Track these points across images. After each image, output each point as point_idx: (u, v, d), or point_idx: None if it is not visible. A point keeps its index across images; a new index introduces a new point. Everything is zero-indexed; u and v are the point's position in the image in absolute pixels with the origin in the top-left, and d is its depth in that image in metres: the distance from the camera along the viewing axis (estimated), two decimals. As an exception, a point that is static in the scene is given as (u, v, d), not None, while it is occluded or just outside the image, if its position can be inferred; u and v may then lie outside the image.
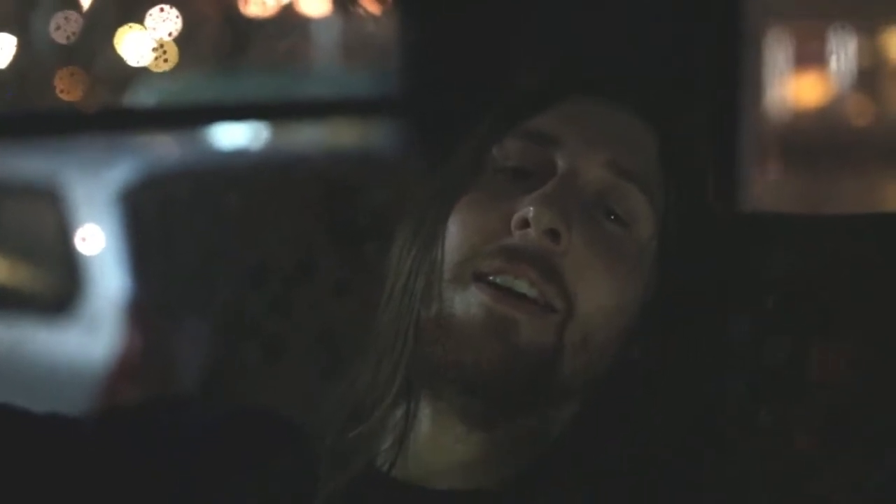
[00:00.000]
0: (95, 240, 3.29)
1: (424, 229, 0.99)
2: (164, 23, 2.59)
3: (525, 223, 0.95)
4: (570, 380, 0.96)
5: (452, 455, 0.98)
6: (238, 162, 3.70)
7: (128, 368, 3.07)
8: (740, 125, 2.07)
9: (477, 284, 0.95)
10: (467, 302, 0.94)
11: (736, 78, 2.07)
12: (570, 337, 0.95)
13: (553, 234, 0.95)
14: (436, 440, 0.98)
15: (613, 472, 0.95)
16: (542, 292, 0.94)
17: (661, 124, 1.01)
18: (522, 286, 0.94)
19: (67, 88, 2.77)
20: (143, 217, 3.27)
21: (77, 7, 2.79)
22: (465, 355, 0.93)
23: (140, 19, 2.66)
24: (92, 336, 3.18)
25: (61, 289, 3.32)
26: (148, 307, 3.20)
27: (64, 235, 3.37)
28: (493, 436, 0.97)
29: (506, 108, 1.03)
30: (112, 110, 2.56)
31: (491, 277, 0.94)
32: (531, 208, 0.94)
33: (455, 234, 0.97)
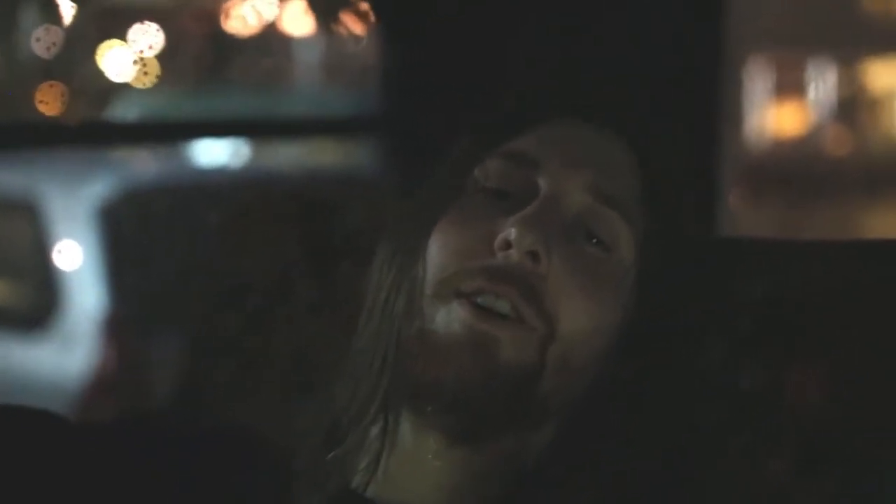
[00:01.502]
0: (73, 255, 3.28)
1: (405, 248, 0.99)
2: (146, 39, 2.59)
3: (507, 244, 0.95)
4: (549, 399, 0.96)
5: (429, 476, 0.97)
6: (216, 179, 3.70)
7: (103, 384, 3.06)
8: (719, 154, 2.07)
9: (458, 301, 0.95)
10: (449, 318, 0.94)
11: (716, 107, 2.08)
12: (551, 356, 0.95)
13: (534, 256, 0.95)
14: (414, 458, 0.98)
15: (590, 496, 0.95)
16: (522, 314, 0.94)
17: (642, 147, 1.02)
18: (504, 307, 0.94)
19: (48, 102, 2.77)
20: (120, 232, 3.26)
21: (59, 21, 2.79)
22: (445, 372, 0.93)
23: (122, 35, 2.67)
24: (68, 351, 3.17)
25: (38, 304, 3.31)
26: (124, 323, 3.19)
27: (41, 250, 3.36)
28: (471, 456, 0.97)
29: (487, 128, 1.04)
30: (91, 124, 2.55)
31: (471, 296, 0.95)
32: (513, 230, 0.95)
33: (436, 253, 0.97)
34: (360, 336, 1.01)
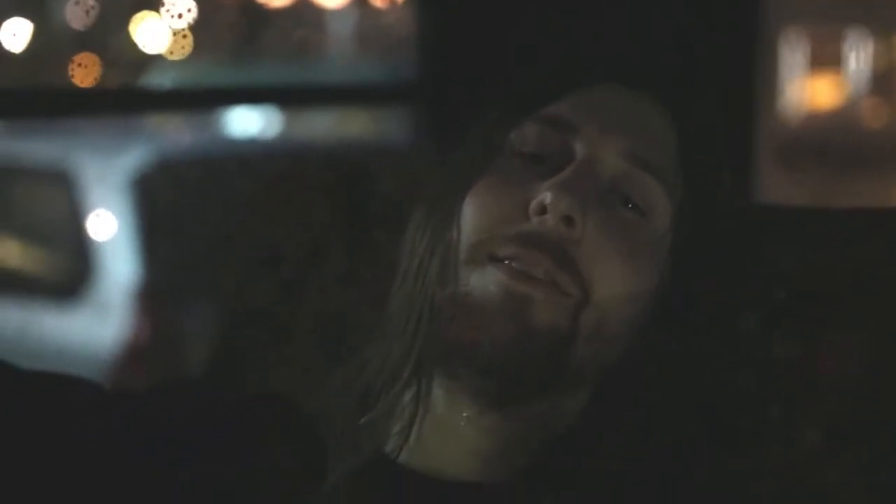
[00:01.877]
0: (107, 224, 3.29)
1: (439, 212, 0.99)
2: (179, 9, 2.59)
3: (542, 209, 0.95)
4: (583, 366, 0.96)
5: (461, 442, 0.97)
6: (250, 148, 3.71)
7: (136, 354, 3.07)
8: (756, 127, 2.06)
9: (493, 265, 0.95)
10: (484, 281, 0.94)
11: (752, 79, 2.07)
12: (585, 321, 0.95)
13: (569, 221, 0.95)
14: (446, 423, 0.98)
15: (622, 464, 0.95)
16: (556, 281, 0.94)
17: (680, 114, 1.01)
18: (538, 273, 0.94)
19: (82, 74, 2.78)
20: (154, 202, 3.27)
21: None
22: (480, 334, 0.93)
23: (155, 6, 2.67)
24: (101, 321, 3.19)
25: (72, 273, 3.33)
26: (158, 292, 3.20)
27: (75, 219, 3.37)
28: (504, 421, 0.97)
29: (524, 93, 1.03)
30: (125, 93, 2.55)
31: (507, 261, 0.95)
32: (548, 194, 0.95)
33: (471, 217, 0.97)
34: (393, 300, 1.01)
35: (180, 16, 2.60)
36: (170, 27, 2.68)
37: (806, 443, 1.02)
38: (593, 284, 0.95)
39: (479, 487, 0.97)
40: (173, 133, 3.66)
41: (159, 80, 2.99)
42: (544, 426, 0.98)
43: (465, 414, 0.97)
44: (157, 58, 2.81)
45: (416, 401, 0.98)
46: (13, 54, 2.48)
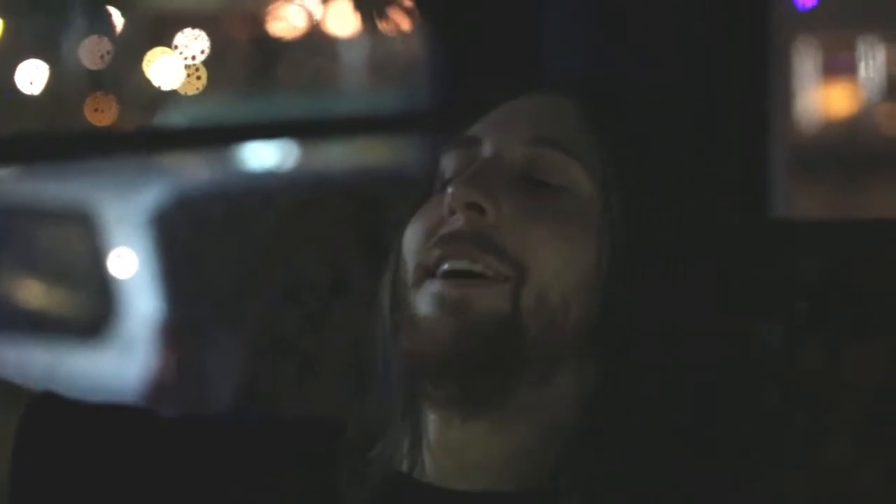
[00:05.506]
0: (128, 262, 3.31)
1: (392, 253, 1.04)
2: (193, 45, 2.61)
3: (451, 209, 0.98)
4: (538, 345, 0.97)
5: (467, 455, 0.98)
6: (269, 181, 3.72)
7: (162, 388, 3.08)
8: (771, 138, 2.06)
9: (429, 279, 0.98)
10: (425, 298, 0.97)
11: (765, 88, 2.07)
12: (527, 300, 0.96)
13: (477, 208, 0.97)
14: (447, 440, 0.99)
15: (643, 477, 0.95)
16: (485, 265, 0.96)
17: (588, 101, 1.03)
18: (464, 265, 0.97)
19: (98, 112, 2.79)
20: (174, 238, 3.29)
21: (106, 32, 2.81)
22: (423, 342, 0.96)
23: (168, 42, 2.68)
24: (126, 358, 3.20)
25: (95, 311, 3.34)
26: (181, 328, 3.22)
27: (97, 258, 3.39)
28: (496, 426, 0.97)
29: (449, 124, 1.06)
30: (142, 132, 2.57)
31: (437, 269, 0.97)
32: (449, 189, 0.98)
33: (406, 245, 1.01)
34: (370, 337, 1.04)
35: (194, 57, 2.62)
36: (183, 63, 2.69)
37: (833, 452, 1.02)
38: (525, 261, 0.96)
39: (499, 498, 0.98)
40: (191, 170, 3.68)
41: (174, 117, 3.01)
42: (542, 421, 0.98)
43: (456, 426, 0.98)
44: (172, 94, 2.83)
45: (414, 425, 1.00)
46: (31, 97, 2.49)
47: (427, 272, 0.98)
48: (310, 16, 3.49)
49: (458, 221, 0.98)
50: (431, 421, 0.99)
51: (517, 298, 0.96)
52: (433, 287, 0.97)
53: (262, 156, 3.82)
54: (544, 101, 1.03)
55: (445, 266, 0.97)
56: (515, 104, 1.04)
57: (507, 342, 0.96)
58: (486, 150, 1.01)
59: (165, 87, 2.73)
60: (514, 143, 1.01)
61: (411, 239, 1.01)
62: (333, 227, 1.39)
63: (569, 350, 0.98)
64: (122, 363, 3.19)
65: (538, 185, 1.00)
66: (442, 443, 0.99)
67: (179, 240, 3.29)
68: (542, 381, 0.97)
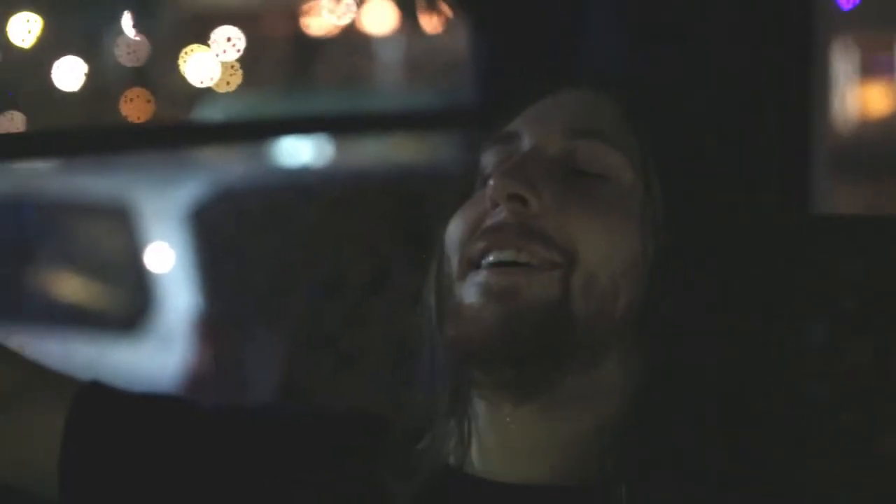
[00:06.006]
0: (166, 257, 3.32)
1: (435, 251, 1.05)
2: (229, 43, 2.61)
3: (494, 202, 0.99)
4: (588, 329, 0.97)
5: (517, 443, 0.99)
6: (305, 177, 3.73)
7: (199, 383, 3.09)
8: (812, 138, 2.06)
9: (474, 271, 0.98)
10: (471, 287, 0.98)
11: (805, 88, 2.06)
12: (576, 285, 0.97)
13: (519, 199, 0.98)
14: (495, 429, 1.00)
15: (690, 475, 0.95)
16: (531, 254, 0.97)
17: (615, 90, 1.04)
18: (510, 255, 0.97)
19: (135, 108, 2.80)
20: (212, 233, 3.29)
21: (142, 29, 2.82)
22: (470, 329, 0.96)
23: (204, 40, 2.69)
24: (163, 353, 3.21)
25: (132, 306, 3.35)
26: (218, 323, 3.22)
27: (134, 253, 3.40)
28: (545, 412, 0.98)
29: (487, 121, 1.06)
30: (179, 127, 2.58)
31: (483, 260, 0.98)
32: (491, 182, 0.99)
33: (449, 241, 1.02)
34: (415, 330, 1.05)
35: (225, 52, 2.62)
36: (219, 60, 2.70)
37: (882, 449, 1.01)
38: (572, 247, 0.97)
39: (547, 491, 0.97)
40: (227, 164, 3.69)
41: (211, 113, 3.01)
42: (590, 407, 0.98)
43: (506, 414, 0.98)
44: (208, 91, 2.84)
45: (462, 416, 1.00)
46: (69, 93, 2.51)
47: (472, 264, 0.99)
48: (347, 13, 3.49)
49: (501, 213, 0.98)
50: (481, 408, 0.99)
51: (567, 284, 0.96)
52: (479, 277, 0.97)
53: (299, 152, 3.82)
54: (582, 95, 1.04)
55: (491, 257, 0.97)
56: (553, 99, 1.05)
57: (556, 328, 0.96)
58: (526, 143, 1.02)
59: (202, 84, 2.73)
60: (553, 135, 1.01)
61: (455, 233, 1.01)
62: (372, 223, 1.39)
63: (616, 337, 0.98)
64: (160, 357, 3.20)
65: (578, 174, 1.00)
66: (491, 430, 0.99)
67: (217, 234, 3.29)
68: (589, 368, 0.98)
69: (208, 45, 2.65)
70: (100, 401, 1.11)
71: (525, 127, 1.03)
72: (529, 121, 1.04)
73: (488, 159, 1.04)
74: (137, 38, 2.79)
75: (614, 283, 0.97)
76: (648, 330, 0.97)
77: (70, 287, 3.42)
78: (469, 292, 0.98)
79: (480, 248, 0.98)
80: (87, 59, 2.55)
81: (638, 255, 0.98)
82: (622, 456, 0.96)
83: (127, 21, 2.72)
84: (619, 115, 1.02)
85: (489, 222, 0.99)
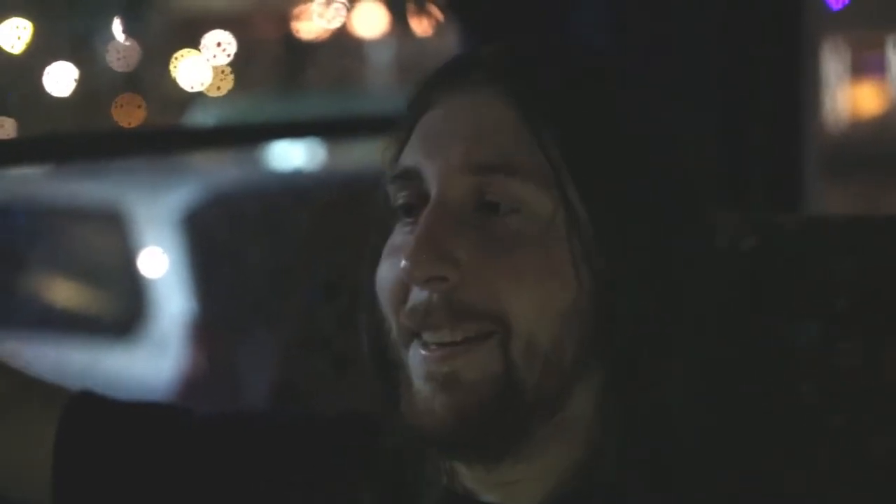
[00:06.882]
0: (159, 261, 3.32)
1: (367, 293, 1.00)
2: (219, 48, 2.61)
3: (413, 281, 0.94)
4: (541, 389, 0.94)
5: (497, 479, 0.97)
6: (299, 180, 3.73)
7: (194, 387, 3.09)
8: (802, 138, 2.06)
9: (415, 342, 0.95)
10: (417, 368, 0.95)
11: (795, 88, 2.07)
12: (515, 353, 0.93)
13: (438, 279, 0.93)
14: (473, 476, 0.98)
15: (685, 477, 0.95)
16: (465, 330, 0.93)
17: (522, 99, 0.95)
18: (444, 336, 0.93)
19: (126, 115, 2.81)
20: (204, 237, 3.30)
21: (134, 34, 2.82)
22: (425, 420, 0.94)
23: (195, 44, 2.69)
24: (157, 357, 3.21)
25: (126, 311, 3.36)
26: (212, 326, 3.23)
27: (128, 258, 3.41)
28: (516, 461, 0.96)
29: (388, 147, 1.01)
30: (172, 131, 2.58)
31: (420, 334, 0.94)
32: (403, 263, 0.93)
33: (382, 294, 0.97)
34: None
35: (215, 55, 2.63)
36: (210, 65, 2.70)
37: (873, 451, 1.02)
38: (504, 311, 0.92)
39: None
40: (220, 169, 3.69)
41: (202, 118, 3.02)
42: (570, 442, 0.96)
43: (479, 471, 0.97)
44: (199, 95, 2.84)
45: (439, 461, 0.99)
46: (60, 99, 2.50)
47: (411, 332, 0.95)
48: (337, 16, 3.49)
49: (423, 293, 0.93)
50: (456, 464, 0.98)
51: (507, 352, 0.92)
52: (421, 355, 0.94)
53: (292, 155, 3.83)
54: (475, 104, 0.96)
55: (425, 337, 0.94)
56: (445, 114, 0.97)
57: (507, 400, 0.93)
58: (429, 185, 0.95)
59: (193, 89, 2.73)
60: (454, 174, 0.94)
61: (384, 293, 0.96)
62: (364, 226, 1.39)
63: (573, 379, 0.95)
64: (154, 362, 3.20)
65: (491, 209, 0.94)
66: (470, 475, 0.98)
67: (210, 239, 3.30)
68: (554, 414, 0.95)
69: (199, 50, 2.65)
70: (91, 410, 1.10)
71: (424, 162, 0.96)
72: (427, 152, 0.96)
73: (395, 194, 0.97)
74: (128, 43, 2.79)
75: (554, 337, 0.93)
76: (609, 359, 0.94)
77: (63, 293, 3.42)
78: (416, 372, 0.94)
79: (413, 326, 0.94)
80: (77, 65, 2.55)
81: (575, 295, 0.92)
82: (603, 468, 0.95)
83: (117, 26, 2.72)
84: (521, 122, 0.94)
85: (413, 301, 0.94)
